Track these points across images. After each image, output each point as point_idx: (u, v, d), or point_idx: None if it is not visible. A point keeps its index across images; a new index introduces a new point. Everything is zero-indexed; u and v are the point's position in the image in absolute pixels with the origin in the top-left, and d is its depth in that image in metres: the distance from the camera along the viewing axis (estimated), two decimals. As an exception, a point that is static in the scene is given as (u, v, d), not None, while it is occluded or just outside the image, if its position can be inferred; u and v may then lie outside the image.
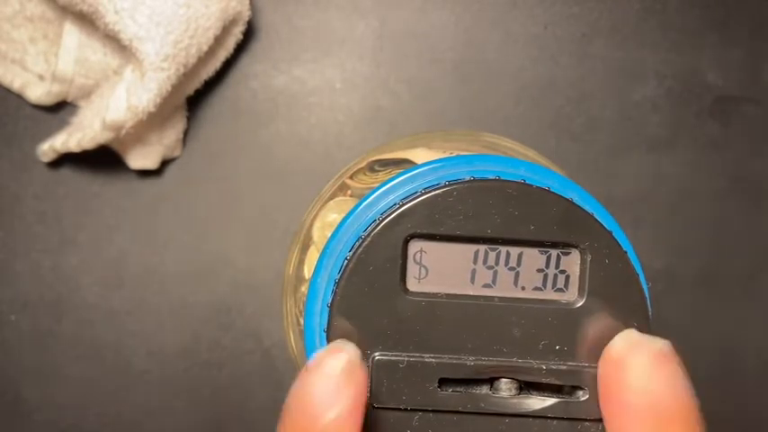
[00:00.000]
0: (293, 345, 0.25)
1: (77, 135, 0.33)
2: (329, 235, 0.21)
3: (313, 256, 0.25)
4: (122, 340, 0.35)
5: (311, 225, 0.25)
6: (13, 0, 0.34)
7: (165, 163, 0.35)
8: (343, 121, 0.36)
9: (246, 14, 0.34)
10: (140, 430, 0.35)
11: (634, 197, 0.35)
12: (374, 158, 0.26)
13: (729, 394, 0.36)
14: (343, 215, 0.21)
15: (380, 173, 0.25)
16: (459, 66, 0.36)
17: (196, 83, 0.34)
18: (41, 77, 0.35)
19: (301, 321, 0.24)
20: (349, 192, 0.25)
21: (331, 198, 0.25)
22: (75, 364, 0.35)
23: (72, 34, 0.34)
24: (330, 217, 0.25)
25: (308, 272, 0.25)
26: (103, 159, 0.35)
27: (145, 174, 0.35)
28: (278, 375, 0.35)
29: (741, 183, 0.36)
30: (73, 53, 0.34)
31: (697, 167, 0.36)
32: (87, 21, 0.33)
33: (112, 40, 0.33)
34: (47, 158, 0.35)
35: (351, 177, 0.25)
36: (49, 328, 0.35)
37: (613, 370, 0.18)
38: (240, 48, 0.35)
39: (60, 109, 0.35)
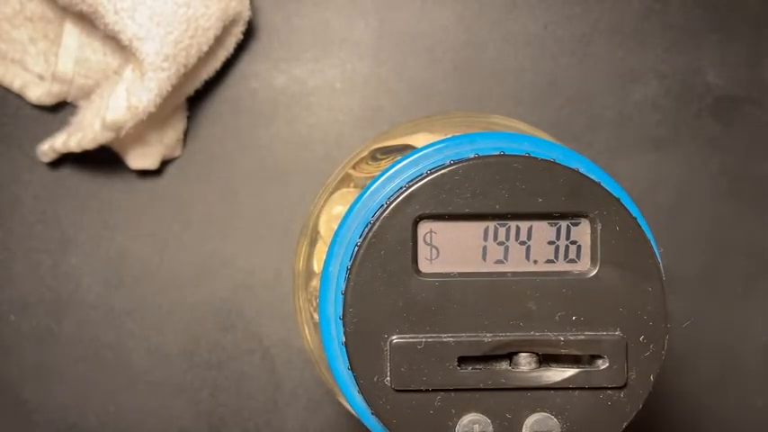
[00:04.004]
0: (309, 338, 0.25)
1: (77, 135, 0.33)
2: (336, 227, 0.21)
3: (321, 251, 0.25)
4: (122, 340, 0.35)
5: (317, 218, 0.25)
6: (13, 0, 0.34)
7: (165, 163, 0.35)
8: (343, 121, 0.36)
9: (246, 14, 0.34)
10: (140, 430, 0.35)
11: (634, 197, 0.35)
12: (376, 146, 0.26)
13: (729, 394, 0.36)
14: (348, 207, 0.21)
15: (383, 161, 0.25)
16: (459, 66, 0.36)
17: (196, 83, 0.34)
18: (41, 77, 0.35)
19: (314, 315, 0.24)
20: (352, 183, 0.25)
21: (335, 191, 0.25)
22: (75, 364, 0.35)
23: (72, 34, 0.34)
24: (336, 209, 0.25)
25: (317, 266, 0.25)
26: (103, 159, 0.35)
27: (145, 174, 0.35)
28: (278, 375, 0.35)
29: (741, 183, 0.36)
30: (73, 53, 0.34)
31: (697, 167, 0.36)
32: (87, 21, 0.33)
33: (112, 40, 0.33)
34: (47, 158, 0.35)
35: (354, 168, 0.25)
36: (49, 328, 0.35)
37: None
38: (240, 48, 0.35)
39: (60, 109, 0.35)
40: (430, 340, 0.19)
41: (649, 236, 0.20)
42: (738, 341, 0.36)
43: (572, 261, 0.20)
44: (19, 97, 0.35)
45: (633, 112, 0.36)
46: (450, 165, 0.20)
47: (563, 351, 0.20)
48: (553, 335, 0.20)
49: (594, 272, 0.20)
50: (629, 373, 0.20)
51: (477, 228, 0.20)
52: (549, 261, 0.20)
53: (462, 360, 0.20)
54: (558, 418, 0.20)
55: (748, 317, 0.36)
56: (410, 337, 0.19)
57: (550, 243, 0.20)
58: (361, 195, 0.21)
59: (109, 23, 0.31)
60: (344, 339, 0.19)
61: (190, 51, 0.32)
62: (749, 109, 0.36)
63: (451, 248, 0.20)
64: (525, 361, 0.20)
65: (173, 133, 0.35)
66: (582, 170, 0.20)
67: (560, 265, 0.20)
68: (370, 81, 0.36)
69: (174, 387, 0.35)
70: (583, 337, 0.20)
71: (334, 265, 0.20)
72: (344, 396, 0.21)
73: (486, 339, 0.20)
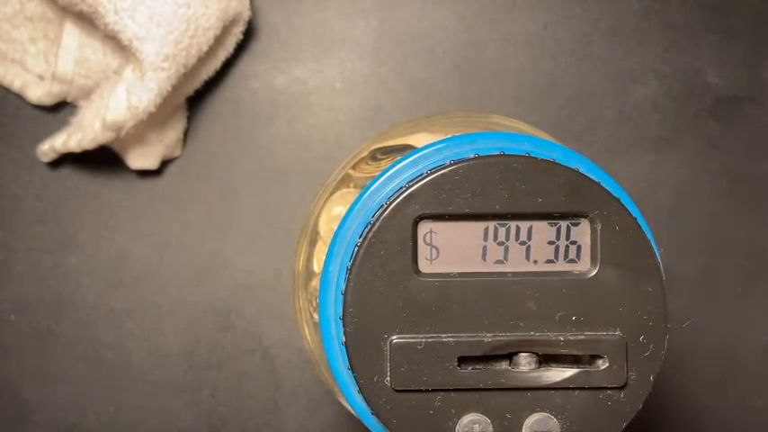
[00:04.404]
0: (309, 338, 0.25)
1: (77, 135, 0.33)
2: (336, 227, 0.21)
3: (321, 251, 0.25)
4: (122, 340, 0.35)
5: (317, 218, 0.25)
6: (13, 0, 0.34)
7: (165, 163, 0.35)
8: (343, 121, 0.36)
9: (246, 14, 0.34)
10: (140, 430, 0.35)
11: (634, 197, 0.35)
12: (376, 146, 0.26)
13: (729, 394, 0.36)
14: (348, 207, 0.21)
15: (383, 161, 0.25)
16: (460, 66, 0.36)
17: (196, 83, 0.34)
18: (41, 77, 0.35)
19: (314, 315, 0.24)
20: (352, 184, 0.25)
21: (335, 191, 0.25)
22: (75, 364, 0.35)
23: (72, 34, 0.34)
24: (335, 210, 0.25)
25: (317, 266, 0.25)
26: (103, 159, 0.35)
27: (145, 174, 0.35)
28: (278, 375, 0.35)
29: (741, 183, 0.36)
30: (73, 53, 0.34)
31: (697, 167, 0.36)
32: (87, 21, 0.33)
33: (112, 40, 0.33)
34: (47, 158, 0.35)
35: (354, 168, 0.25)
36: (49, 328, 0.35)
37: None
38: (240, 48, 0.35)
39: (60, 109, 0.35)
40: (430, 340, 0.19)
41: (649, 236, 0.20)
42: (738, 341, 0.36)
43: (572, 261, 0.20)
44: (19, 97, 0.35)
45: (633, 112, 0.36)
46: (451, 165, 0.20)
47: (563, 351, 0.20)
48: (553, 335, 0.20)
49: (594, 272, 0.20)
50: (628, 374, 0.20)
51: (477, 228, 0.20)
52: (549, 261, 0.20)
53: (462, 360, 0.20)
54: (557, 418, 0.20)
55: (748, 317, 0.36)
56: (410, 337, 0.19)
57: (550, 243, 0.20)
58: (361, 195, 0.21)
59: (109, 23, 0.31)
60: (344, 339, 0.19)
61: (190, 51, 0.32)
62: (749, 109, 0.36)
63: (451, 248, 0.20)
64: (525, 361, 0.20)
65: (173, 133, 0.35)
66: (582, 170, 0.20)
67: (560, 265, 0.20)
68: (370, 81, 0.36)
69: (174, 387, 0.35)
70: (583, 337, 0.20)
71: (334, 265, 0.20)
72: (344, 396, 0.21)
73: (486, 339, 0.20)
